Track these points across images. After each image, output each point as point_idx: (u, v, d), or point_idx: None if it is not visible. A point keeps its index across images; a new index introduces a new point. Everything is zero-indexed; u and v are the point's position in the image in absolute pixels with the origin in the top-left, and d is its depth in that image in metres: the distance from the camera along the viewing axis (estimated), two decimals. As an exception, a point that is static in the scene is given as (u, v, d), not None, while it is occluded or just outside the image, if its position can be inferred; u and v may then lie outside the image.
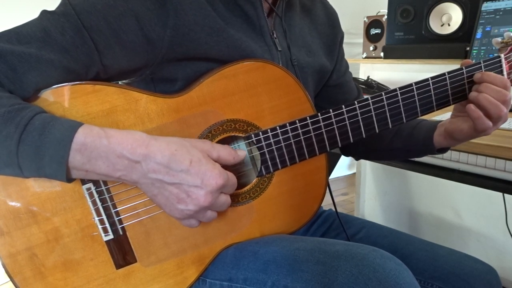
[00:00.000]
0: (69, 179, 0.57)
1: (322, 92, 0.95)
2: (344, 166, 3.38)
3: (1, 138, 0.53)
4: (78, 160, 0.55)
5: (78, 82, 0.62)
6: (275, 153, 0.73)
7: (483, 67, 0.77)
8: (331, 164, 0.93)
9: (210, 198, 0.60)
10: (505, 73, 0.78)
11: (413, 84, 0.75)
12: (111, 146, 0.56)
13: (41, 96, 0.60)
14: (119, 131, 0.58)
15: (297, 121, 0.72)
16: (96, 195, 0.64)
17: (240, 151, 0.67)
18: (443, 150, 0.87)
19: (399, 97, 0.75)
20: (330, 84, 0.95)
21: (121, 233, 0.67)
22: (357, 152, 1.02)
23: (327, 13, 0.94)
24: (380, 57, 1.98)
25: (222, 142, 0.73)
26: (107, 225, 0.65)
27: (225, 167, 0.64)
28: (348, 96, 0.97)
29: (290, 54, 0.81)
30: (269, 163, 0.73)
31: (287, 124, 0.72)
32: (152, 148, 0.57)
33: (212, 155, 0.63)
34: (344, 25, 0.97)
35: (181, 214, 0.61)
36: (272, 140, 0.72)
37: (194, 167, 0.59)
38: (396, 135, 0.91)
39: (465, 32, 1.65)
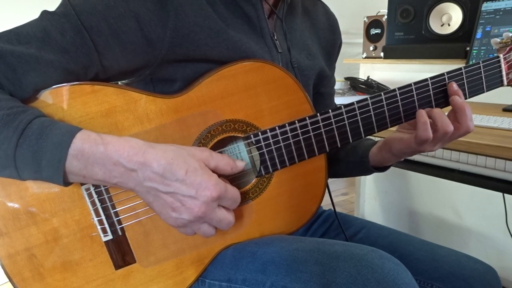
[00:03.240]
0: (66, 183, 0.57)
1: None
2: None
3: None
4: (75, 165, 0.55)
5: (77, 83, 0.62)
6: (274, 154, 0.73)
7: (482, 68, 0.76)
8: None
9: (204, 209, 0.59)
10: (504, 73, 0.78)
11: (412, 84, 0.75)
12: (107, 153, 0.56)
13: (40, 96, 0.60)
14: (116, 138, 0.58)
15: (296, 121, 0.72)
16: (95, 196, 0.64)
17: (239, 162, 0.67)
18: (380, 169, 0.86)
19: (398, 97, 0.74)
20: (318, 91, 0.95)
21: (120, 233, 0.67)
22: None
23: (328, 18, 0.94)
24: (380, 57, 1.98)
25: (221, 142, 0.73)
26: (106, 225, 0.65)
27: (225, 176, 0.64)
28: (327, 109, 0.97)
29: (290, 56, 0.81)
30: (268, 163, 0.73)
31: (286, 124, 0.72)
32: (148, 157, 0.57)
33: (209, 165, 0.62)
34: (344, 25, 0.97)
35: (175, 222, 0.61)
36: (271, 141, 0.72)
37: (190, 177, 0.58)
38: (343, 146, 0.91)
39: (465, 32, 1.65)
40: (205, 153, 0.63)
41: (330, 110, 0.73)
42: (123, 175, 0.57)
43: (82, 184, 0.63)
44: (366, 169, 0.87)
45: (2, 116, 0.53)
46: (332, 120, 0.73)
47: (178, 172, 0.58)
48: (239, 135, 0.72)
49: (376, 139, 1.01)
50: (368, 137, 0.84)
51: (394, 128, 0.80)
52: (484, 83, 0.78)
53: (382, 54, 1.94)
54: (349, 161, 0.90)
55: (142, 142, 0.59)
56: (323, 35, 0.91)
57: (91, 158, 0.55)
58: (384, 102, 0.74)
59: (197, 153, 0.62)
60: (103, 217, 0.65)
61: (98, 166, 0.56)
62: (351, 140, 0.75)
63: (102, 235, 0.66)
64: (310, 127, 0.73)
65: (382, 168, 0.86)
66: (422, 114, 0.72)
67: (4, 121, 0.53)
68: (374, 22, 2.08)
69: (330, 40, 0.93)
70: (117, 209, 0.66)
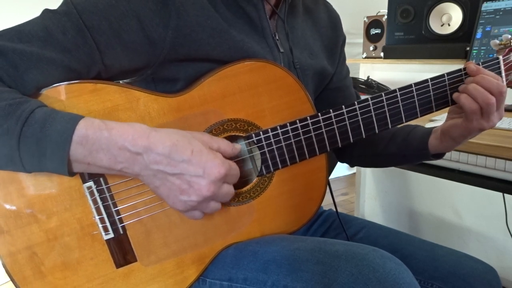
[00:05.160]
0: (71, 173, 0.57)
1: (321, 95, 0.95)
2: (344, 166, 3.38)
3: (2, 132, 0.52)
4: (79, 152, 0.55)
5: (79, 81, 0.62)
6: (276, 153, 0.73)
7: (482, 69, 0.77)
8: (331, 164, 0.93)
9: (213, 188, 0.60)
10: (503, 74, 0.79)
11: (413, 85, 0.75)
12: (112, 138, 0.56)
13: (42, 94, 0.60)
14: (120, 123, 0.58)
15: (297, 121, 0.72)
16: (96, 194, 0.64)
17: (236, 144, 0.67)
18: (438, 156, 0.85)
19: (399, 98, 0.75)
20: (330, 88, 0.95)
21: (121, 232, 0.67)
22: (352, 157, 1.00)
23: (329, 16, 0.94)
24: (380, 57, 1.98)
25: (223, 141, 0.73)
26: (108, 224, 0.65)
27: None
28: (346, 101, 0.96)
29: (293, 56, 0.81)
30: (270, 162, 0.73)
31: (288, 124, 0.72)
32: (153, 139, 0.57)
33: (212, 146, 0.63)
34: (344, 25, 0.97)
35: (184, 205, 0.61)
36: (272, 140, 0.72)
37: (196, 157, 0.59)
38: (391, 140, 0.90)
39: (465, 32, 1.65)
40: (206, 136, 0.64)
41: (331, 110, 0.73)
42: (129, 160, 0.57)
43: (83, 182, 0.63)
44: (424, 159, 0.87)
45: (4, 107, 0.53)
46: (333, 120, 0.73)
47: (184, 152, 0.58)
48: (241, 134, 0.72)
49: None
50: (412, 125, 0.86)
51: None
52: (484, 84, 0.78)
53: (382, 54, 1.95)
54: (405, 155, 0.89)
55: (145, 126, 0.59)
56: (325, 33, 0.91)
57: (95, 144, 0.55)
58: (385, 103, 0.75)
59: (198, 135, 0.63)
60: (104, 215, 0.65)
61: (102, 151, 0.56)
62: (351, 140, 0.75)
63: (103, 233, 0.66)
64: (311, 127, 0.73)
65: (440, 154, 0.86)
66: (457, 94, 0.74)
67: (6, 111, 0.53)
68: (374, 22, 2.08)
69: (332, 37, 0.93)
70: (118, 208, 0.66)
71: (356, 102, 0.74)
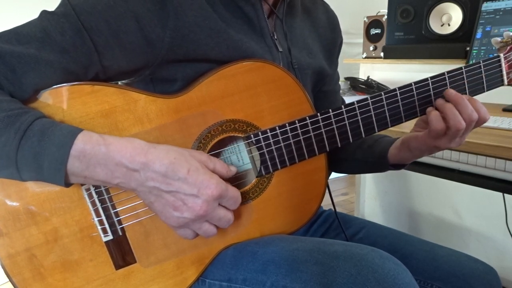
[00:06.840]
0: (68, 184, 0.57)
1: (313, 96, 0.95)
2: (344, 166, 3.37)
3: (0, 144, 0.53)
4: (76, 166, 0.55)
5: (77, 83, 0.62)
6: (275, 153, 0.73)
7: (482, 67, 0.76)
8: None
9: (206, 207, 0.60)
10: (504, 72, 0.78)
11: (413, 84, 0.75)
12: (110, 154, 0.56)
13: (40, 96, 0.60)
14: (118, 138, 0.58)
15: (296, 121, 0.72)
16: (95, 196, 0.64)
17: (232, 167, 0.68)
18: (397, 166, 0.86)
19: (399, 97, 0.74)
20: (322, 89, 0.95)
21: (120, 233, 0.67)
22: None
23: (328, 16, 0.94)
24: (380, 57, 1.98)
25: (222, 142, 0.73)
26: (107, 225, 0.65)
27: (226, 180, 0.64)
28: (332, 106, 0.96)
29: (291, 57, 0.80)
30: (269, 163, 0.73)
31: (287, 124, 0.72)
32: (150, 157, 0.57)
33: (209, 166, 0.63)
34: (344, 25, 0.97)
35: (176, 221, 0.61)
36: (271, 140, 0.72)
37: (192, 176, 0.59)
38: (359, 146, 0.91)
39: (465, 32, 1.65)
40: (204, 156, 0.64)
41: (330, 110, 0.73)
42: (125, 176, 0.57)
43: (82, 184, 0.63)
44: (384, 168, 0.87)
45: (3, 118, 0.53)
46: (333, 120, 0.73)
47: (180, 171, 0.58)
48: (239, 135, 0.72)
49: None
50: (382, 133, 0.84)
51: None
52: (484, 83, 0.78)
53: (382, 54, 1.94)
54: (367, 161, 0.89)
55: (144, 143, 0.59)
56: (323, 33, 0.91)
57: (93, 159, 0.55)
58: (385, 102, 0.74)
59: (196, 154, 0.63)
60: (103, 217, 0.65)
61: (100, 166, 0.56)
62: (351, 140, 0.75)
63: (102, 235, 0.66)
64: (310, 127, 0.73)
65: (400, 166, 0.86)
66: (430, 109, 0.73)
67: (5, 123, 0.53)
68: (374, 22, 2.08)
69: (330, 38, 0.93)
70: (117, 209, 0.66)
71: (355, 102, 0.74)
